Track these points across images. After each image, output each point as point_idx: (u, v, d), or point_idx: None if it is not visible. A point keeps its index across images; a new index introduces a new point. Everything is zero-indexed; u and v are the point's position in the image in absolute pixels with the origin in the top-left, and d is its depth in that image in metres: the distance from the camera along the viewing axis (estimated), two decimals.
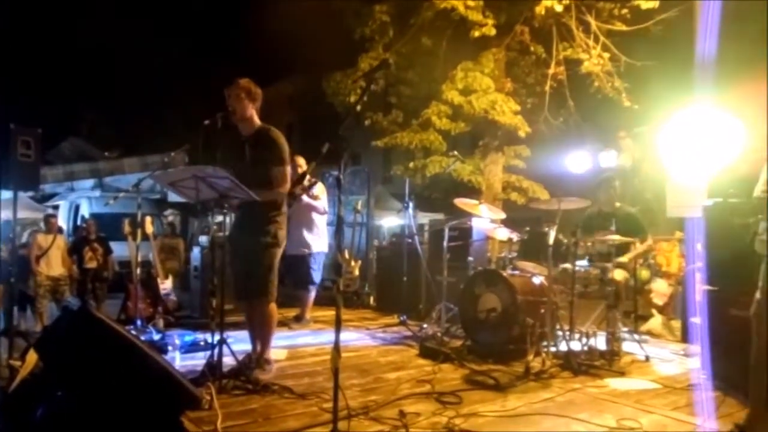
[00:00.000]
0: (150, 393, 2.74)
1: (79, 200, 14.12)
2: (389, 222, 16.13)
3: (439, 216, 13.50)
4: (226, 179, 3.21)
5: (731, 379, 3.46)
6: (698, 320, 4.49)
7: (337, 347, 2.43)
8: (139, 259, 5.48)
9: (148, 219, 5.70)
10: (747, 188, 3.78)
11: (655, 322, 6.63)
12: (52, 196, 14.62)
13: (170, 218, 14.22)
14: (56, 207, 14.45)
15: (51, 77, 22.56)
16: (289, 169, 3.81)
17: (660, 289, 7.39)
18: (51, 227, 7.22)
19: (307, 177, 5.75)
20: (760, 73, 6.03)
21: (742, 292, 3.45)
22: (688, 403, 3.34)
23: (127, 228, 5.56)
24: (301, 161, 5.66)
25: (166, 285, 5.95)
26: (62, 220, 14.22)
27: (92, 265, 7.32)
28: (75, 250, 7.48)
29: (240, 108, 3.69)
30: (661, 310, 6.99)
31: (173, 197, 12.94)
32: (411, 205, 5.87)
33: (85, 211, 13.73)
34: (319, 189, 5.55)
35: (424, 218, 14.89)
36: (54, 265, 6.97)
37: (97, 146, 20.00)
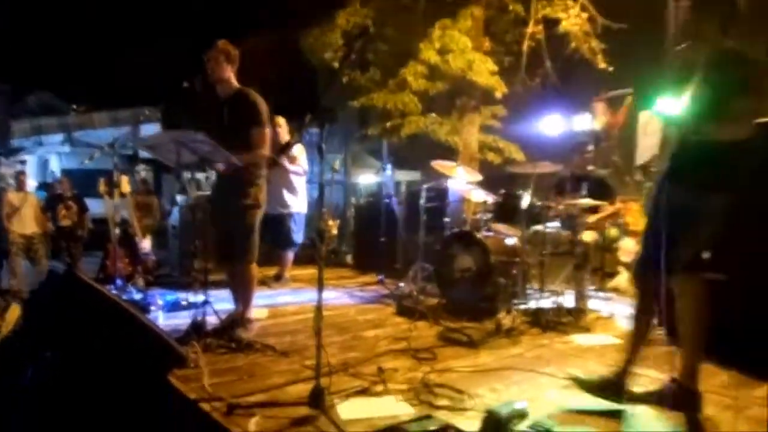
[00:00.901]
0: (138, 353, 2.84)
1: (48, 155, 13.82)
2: (366, 179, 16.20)
3: (417, 174, 13.61)
4: (207, 143, 3.24)
5: None
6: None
7: (319, 308, 2.55)
8: (117, 219, 5.48)
9: (125, 178, 5.67)
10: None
11: (622, 278, 6.94)
12: (18, 150, 14.27)
13: (143, 174, 14.01)
14: (23, 162, 14.11)
15: (13, 26, 21.46)
16: (268, 130, 3.85)
17: (627, 247, 7.69)
18: (21, 184, 7.11)
19: (287, 140, 5.78)
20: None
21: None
22: (645, 357, 3.58)
23: (102, 187, 5.52)
24: (281, 121, 5.66)
25: (144, 244, 5.97)
26: (31, 176, 13.92)
27: (66, 223, 7.26)
28: (48, 207, 7.39)
29: (219, 70, 3.70)
30: (628, 267, 7.32)
31: (146, 153, 12.77)
32: (389, 166, 5.94)
33: (55, 166, 13.48)
34: (298, 149, 5.57)
35: (402, 176, 14.96)
36: (27, 223, 6.90)
37: (64, 99, 19.36)
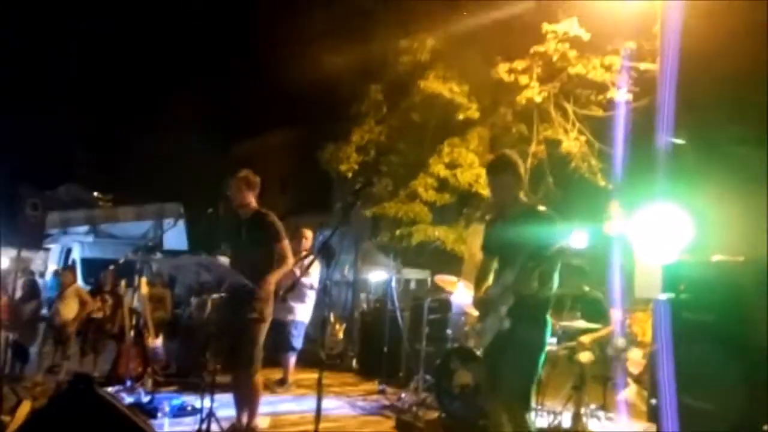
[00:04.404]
0: None
1: (71, 244, 14.33)
2: (376, 276, 16.39)
3: (426, 273, 13.80)
4: (224, 268, 3.57)
5: None
6: (654, 401, 4.80)
7: None
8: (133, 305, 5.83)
9: (144, 281, 6.02)
10: (696, 284, 4.20)
11: (630, 391, 6.90)
12: (45, 237, 14.82)
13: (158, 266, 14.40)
14: (47, 250, 14.64)
15: (47, 117, 23.00)
16: (287, 242, 4.20)
17: (635, 359, 7.68)
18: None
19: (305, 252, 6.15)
20: (712, 168, 6.61)
21: (689, 379, 3.83)
22: None
23: (123, 289, 5.86)
24: (307, 234, 6.03)
25: (156, 344, 6.17)
26: (52, 263, 14.42)
27: (98, 315, 7.38)
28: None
29: (240, 197, 4.11)
30: (637, 379, 7.27)
31: (167, 245, 13.23)
32: (394, 278, 6.22)
33: (76, 255, 13.94)
34: (313, 266, 5.88)
35: (411, 275, 15.10)
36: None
37: (90, 188, 20.43)
